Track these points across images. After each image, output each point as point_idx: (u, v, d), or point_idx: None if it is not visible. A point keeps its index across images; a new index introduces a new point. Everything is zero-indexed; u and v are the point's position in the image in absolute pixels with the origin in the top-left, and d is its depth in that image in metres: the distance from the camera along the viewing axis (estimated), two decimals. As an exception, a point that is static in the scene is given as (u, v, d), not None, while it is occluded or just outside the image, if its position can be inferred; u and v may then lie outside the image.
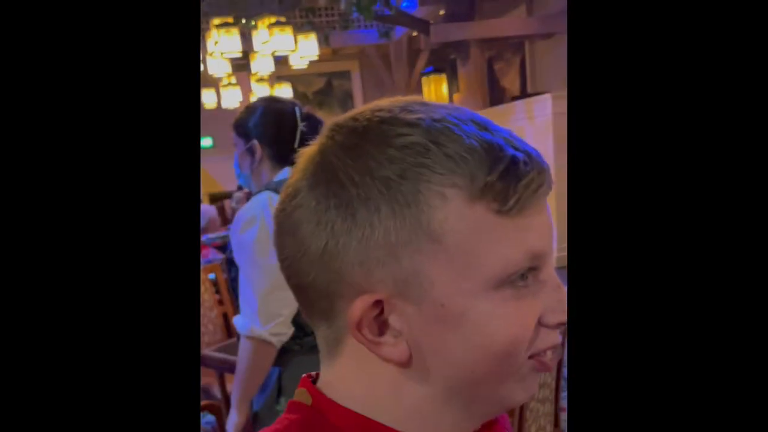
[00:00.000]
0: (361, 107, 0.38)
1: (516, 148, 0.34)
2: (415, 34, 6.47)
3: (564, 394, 2.58)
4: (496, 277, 0.34)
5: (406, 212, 0.33)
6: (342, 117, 0.38)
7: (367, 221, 0.33)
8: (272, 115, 1.28)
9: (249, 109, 1.32)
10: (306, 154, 0.37)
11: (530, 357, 0.36)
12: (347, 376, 0.38)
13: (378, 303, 0.35)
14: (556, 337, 0.37)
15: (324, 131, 0.37)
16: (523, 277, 0.35)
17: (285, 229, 0.37)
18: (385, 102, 0.37)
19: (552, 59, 6.73)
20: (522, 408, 1.49)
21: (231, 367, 1.69)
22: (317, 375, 0.41)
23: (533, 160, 0.35)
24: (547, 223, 0.36)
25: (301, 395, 0.39)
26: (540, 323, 0.36)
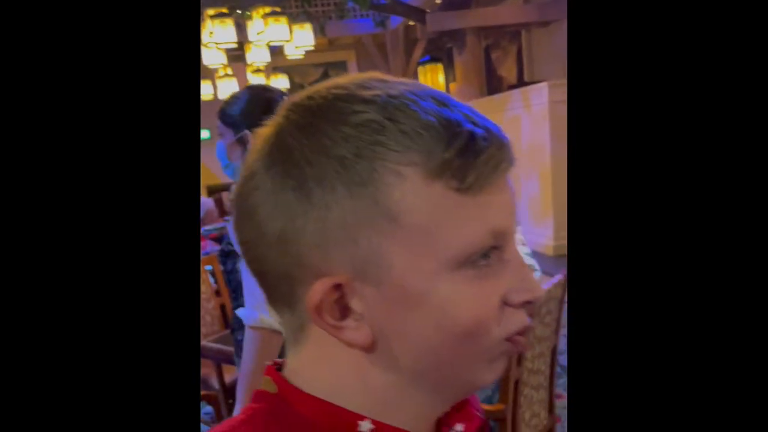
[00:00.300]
0: (318, 84, 0.37)
1: (475, 124, 0.33)
2: (411, 23, 6.43)
3: (560, 381, 2.59)
4: (456, 257, 0.33)
5: (362, 192, 0.32)
6: (298, 95, 0.37)
7: (323, 202, 0.33)
8: (263, 104, 1.26)
9: (236, 98, 1.30)
10: (262, 134, 0.36)
11: (506, 340, 0.36)
12: (312, 362, 0.38)
13: (338, 286, 0.34)
14: (525, 318, 0.36)
15: (280, 110, 0.36)
16: (486, 256, 0.34)
17: (243, 212, 0.36)
18: (342, 79, 0.36)
19: (549, 47, 6.69)
20: (516, 394, 1.50)
21: (228, 358, 1.70)
22: (284, 362, 0.40)
23: (493, 135, 0.33)
24: (509, 201, 0.35)
25: (267, 384, 0.39)
26: (505, 303, 0.35)
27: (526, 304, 0.36)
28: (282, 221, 0.34)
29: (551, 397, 1.72)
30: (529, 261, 2.39)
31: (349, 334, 0.35)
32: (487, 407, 1.50)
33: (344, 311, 0.35)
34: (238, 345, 1.52)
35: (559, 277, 1.60)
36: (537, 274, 2.37)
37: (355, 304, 0.35)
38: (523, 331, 0.36)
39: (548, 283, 1.56)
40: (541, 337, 1.58)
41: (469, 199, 0.33)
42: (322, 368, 0.37)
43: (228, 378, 1.86)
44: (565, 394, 2.51)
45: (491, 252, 0.34)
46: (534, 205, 5.17)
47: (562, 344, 3.03)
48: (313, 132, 0.33)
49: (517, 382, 1.51)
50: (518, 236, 2.59)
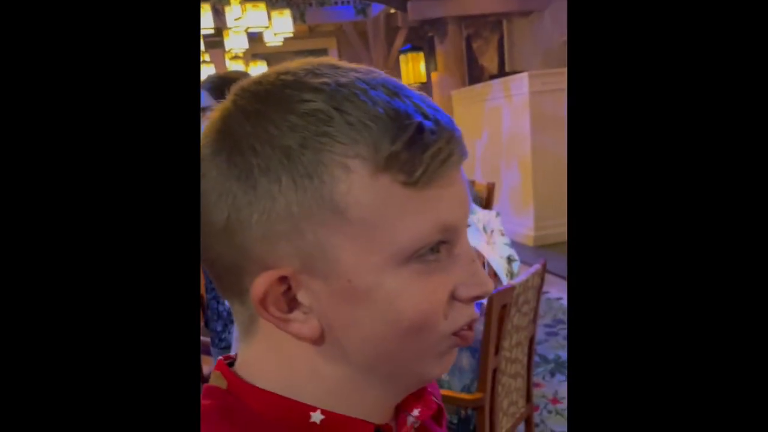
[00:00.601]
0: (268, 69, 0.36)
1: (425, 116, 0.32)
2: (392, 11, 6.39)
3: (538, 370, 2.63)
4: (403, 252, 0.32)
5: (307, 184, 0.31)
6: (247, 80, 0.36)
7: (268, 193, 0.32)
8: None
9: (202, 84, 1.29)
10: (211, 118, 0.35)
11: (453, 334, 0.35)
12: (264, 355, 0.37)
13: (284, 279, 0.33)
14: (473, 312, 0.36)
15: (230, 95, 0.35)
16: (434, 250, 0.33)
17: None
18: (293, 64, 0.35)
19: (529, 38, 6.71)
20: (494, 383, 1.52)
21: (205, 349, 1.68)
22: (235, 357, 0.40)
23: (442, 128, 0.33)
24: (460, 195, 0.34)
25: (216, 379, 0.38)
26: (454, 298, 0.35)
27: (475, 299, 0.36)
28: (227, 211, 0.33)
29: (529, 386, 1.74)
30: (508, 251, 2.41)
31: (297, 327, 0.34)
32: (465, 396, 1.51)
33: (292, 304, 0.34)
34: (217, 335, 1.51)
35: (537, 266, 1.62)
36: (516, 264, 2.40)
37: (302, 296, 0.34)
38: (470, 325, 0.36)
39: (526, 272, 1.58)
40: (519, 326, 1.60)
41: (417, 193, 0.32)
42: (272, 361, 0.37)
43: (206, 369, 1.85)
44: (543, 383, 2.54)
45: (441, 246, 0.34)
46: (514, 196, 5.21)
47: (540, 334, 3.08)
48: (259, 120, 0.32)
49: (495, 371, 1.52)
50: (498, 226, 2.61)
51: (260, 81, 0.34)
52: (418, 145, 0.31)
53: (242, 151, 0.32)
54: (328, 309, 0.34)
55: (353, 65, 0.35)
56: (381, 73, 0.35)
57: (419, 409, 0.40)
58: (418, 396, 0.41)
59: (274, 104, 0.33)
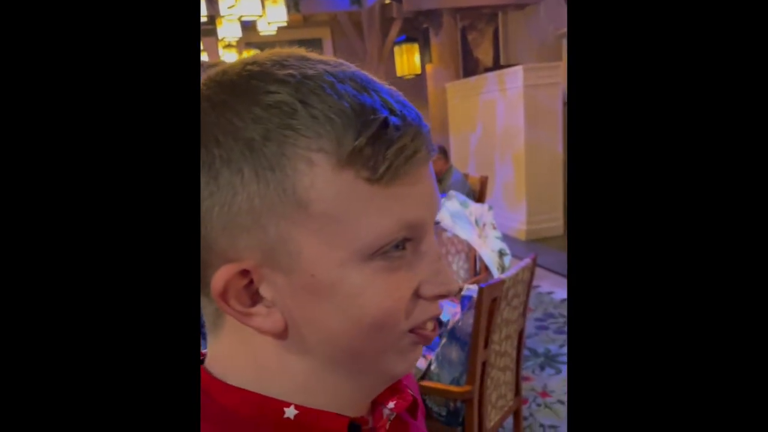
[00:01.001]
0: (236, 60, 0.36)
1: (392, 111, 0.32)
2: (387, 1, 6.35)
3: (528, 364, 2.65)
4: (367, 248, 0.32)
5: (269, 176, 0.31)
6: (214, 70, 0.35)
7: (229, 185, 0.31)
8: None
9: None
10: None
11: (411, 331, 0.35)
12: (232, 351, 0.37)
13: (246, 272, 0.33)
14: (436, 309, 0.36)
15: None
16: (399, 247, 0.33)
17: None
18: (262, 55, 0.35)
19: (525, 31, 6.70)
20: (483, 376, 1.52)
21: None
22: (204, 354, 0.39)
23: (408, 124, 0.32)
24: (426, 192, 0.34)
25: None
26: (418, 295, 0.35)
27: (439, 298, 0.35)
28: None
29: (518, 379, 1.75)
30: (500, 245, 2.42)
31: (259, 321, 0.34)
32: (454, 388, 1.52)
33: (254, 298, 0.34)
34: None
35: (527, 260, 1.62)
36: (507, 258, 2.40)
37: (264, 290, 0.34)
38: (434, 326, 0.36)
39: (516, 266, 1.58)
40: (508, 320, 1.60)
41: (381, 190, 0.32)
42: (241, 356, 0.36)
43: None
44: (532, 376, 2.56)
45: (406, 243, 0.34)
46: (508, 190, 5.21)
47: (530, 328, 3.09)
48: (224, 110, 0.32)
49: (484, 364, 1.53)
50: (490, 220, 2.61)
51: (227, 71, 0.34)
52: (383, 141, 0.31)
53: (205, 142, 0.32)
54: (291, 303, 0.34)
55: (323, 57, 0.34)
56: (351, 67, 0.34)
57: (395, 402, 0.41)
58: (394, 389, 0.41)
59: (239, 95, 0.32)
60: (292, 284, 0.33)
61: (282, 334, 0.34)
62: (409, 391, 0.42)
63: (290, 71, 0.32)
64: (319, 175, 0.31)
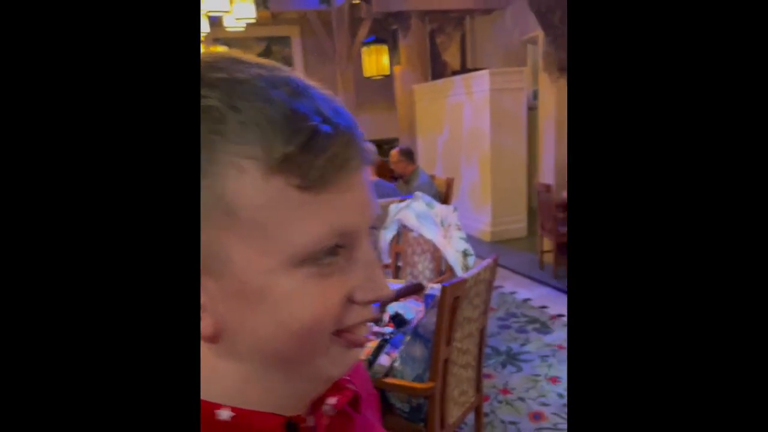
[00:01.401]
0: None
1: (324, 119, 0.32)
2: (356, 1, 6.35)
3: (489, 362, 2.70)
4: (297, 254, 0.32)
5: (200, 182, 0.31)
6: None
7: None
8: None
9: None
10: None
11: (338, 333, 0.35)
12: None
13: None
14: (369, 313, 0.36)
15: None
16: (332, 254, 0.33)
17: None
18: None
19: (491, 36, 6.80)
20: (445, 373, 1.55)
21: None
22: None
23: (341, 132, 0.32)
24: (360, 200, 0.34)
25: None
26: (351, 300, 0.35)
27: (371, 302, 0.36)
28: None
29: (479, 376, 1.78)
30: (464, 245, 2.46)
31: None
32: (417, 385, 1.54)
33: None
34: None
35: (489, 261, 1.66)
36: (471, 258, 2.44)
37: None
38: (365, 330, 0.37)
39: (478, 266, 1.61)
40: (470, 318, 1.63)
41: (312, 197, 0.32)
42: None
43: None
44: (494, 373, 2.61)
45: (338, 250, 0.34)
46: (473, 192, 5.29)
47: (493, 327, 3.14)
48: None
49: (446, 361, 1.55)
50: (455, 221, 2.64)
51: None
52: (313, 149, 0.31)
53: None
54: (221, 308, 0.34)
55: (258, 60, 0.34)
56: (286, 71, 0.34)
57: (336, 398, 0.40)
58: (334, 385, 0.41)
59: None
60: (222, 289, 0.33)
61: (213, 339, 0.35)
62: (350, 386, 0.42)
63: (221, 75, 0.32)
64: (249, 182, 0.31)
